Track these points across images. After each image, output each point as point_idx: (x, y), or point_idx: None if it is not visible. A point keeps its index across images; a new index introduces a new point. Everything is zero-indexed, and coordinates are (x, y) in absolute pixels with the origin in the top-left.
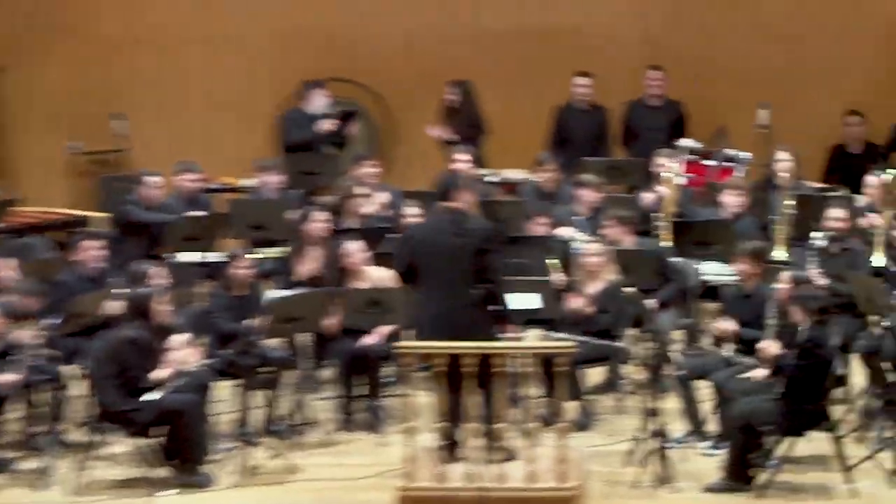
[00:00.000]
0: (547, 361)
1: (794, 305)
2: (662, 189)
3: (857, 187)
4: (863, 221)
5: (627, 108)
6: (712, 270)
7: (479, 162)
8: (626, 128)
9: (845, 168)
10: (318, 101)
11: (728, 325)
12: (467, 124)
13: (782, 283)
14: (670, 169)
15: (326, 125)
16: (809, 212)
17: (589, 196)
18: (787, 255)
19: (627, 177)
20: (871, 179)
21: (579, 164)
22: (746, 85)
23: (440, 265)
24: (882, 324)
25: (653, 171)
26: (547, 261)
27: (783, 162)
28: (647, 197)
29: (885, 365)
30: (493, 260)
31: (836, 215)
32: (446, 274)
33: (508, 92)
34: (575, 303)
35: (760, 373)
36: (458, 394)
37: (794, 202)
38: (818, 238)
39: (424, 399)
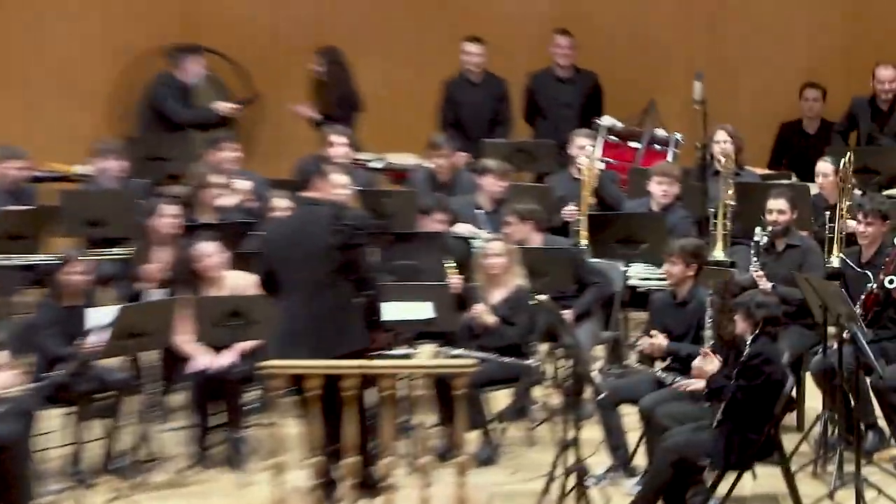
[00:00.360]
0: (442, 383)
1: (736, 315)
2: (579, 176)
3: (810, 173)
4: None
5: (531, 80)
6: (639, 273)
7: (354, 144)
8: (531, 103)
9: (798, 151)
10: (194, 69)
11: (658, 338)
12: (337, 99)
13: (722, 288)
14: (588, 153)
15: (226, 107)
16: (754, 203)
17: (492, 185)
18: (728, 254)
19: (536, 162)
20: (824, 166)
21: (479, 148)
22: (678, 53)
23: (301, 268)
24: (840, 336)
25: (567, 155)
26: (442, 262)
27: (722, 144)
28: (559, 185)
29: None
30: (363, 256)
31: (780, 206)
32: (309, 278)
33: (391, 62)
34: (476, 312)
35: (696, 385)
36: (334, 423)
37: (735, 191)
38: (761, 234)
39: (295, 429)
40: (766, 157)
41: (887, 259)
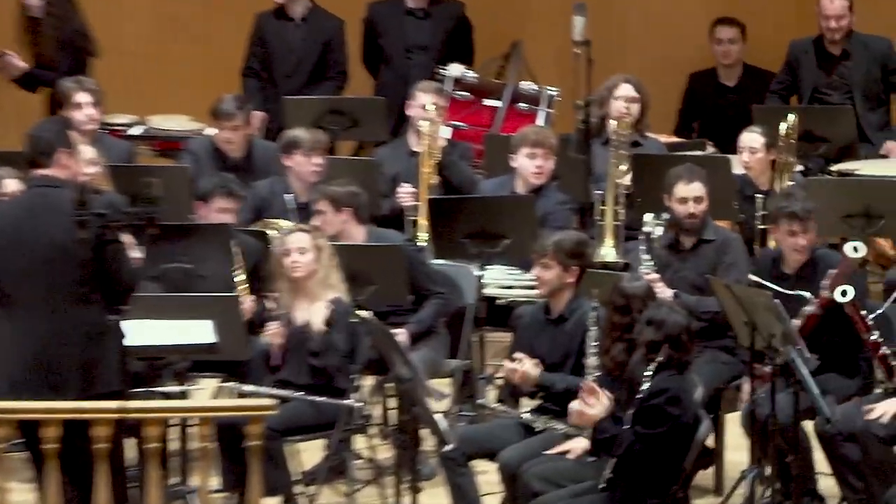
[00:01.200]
0: (229, 431)
1: (630, 336)
2: (418, 147)
3: (731, 141)
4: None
5: (370, 10)
6: (498, 280)
7: (101, 103)
8: (370, 41)
9: (713, 111)
10: None
11: (526, 365)
12: (59, 43)
13: (613, 300)
14: (431, 115)
15: None
16: (656, 183)
17: (303, 166)
18: (620, 252)
19: (359, 127)
20: (751, 137)
21: (287, 108)
22: None
23: (31, 276)
24: (772, 362)
25: (409, 117)
26: (230, 267)
27: (624, 102)
28: (391, 160)
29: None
30: (120, 257)
31: (696, 192)
32: (42, 290)
33: None
34: (274, 335)
35: (579, 445)
36: (81, 486)
37: (631, 167)
38: (654, 223)
39: (23, 495)
40: (671, 119)
41: (833, 271)
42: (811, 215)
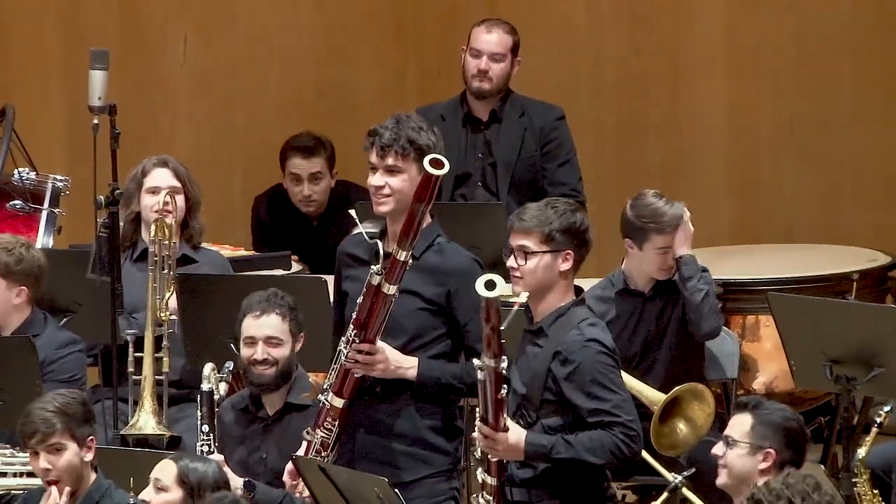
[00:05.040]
0: None
1: None
2: None
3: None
4: None
5: None
6: None
7: None
8: None
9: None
10: None
11: None
12: None
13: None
14: None
15: None
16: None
17: None
18: (164, 422)
19: None
20: None
21: None
22: None
23: None
24: None
25: None
26: None
27: (148, 197)
28: None
29: None
30: None
31: (256, 332)
32: None
33: None
34: None
35: None
36: None
37: (176, 293)
38: (217, 379)
39: None
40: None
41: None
42: None
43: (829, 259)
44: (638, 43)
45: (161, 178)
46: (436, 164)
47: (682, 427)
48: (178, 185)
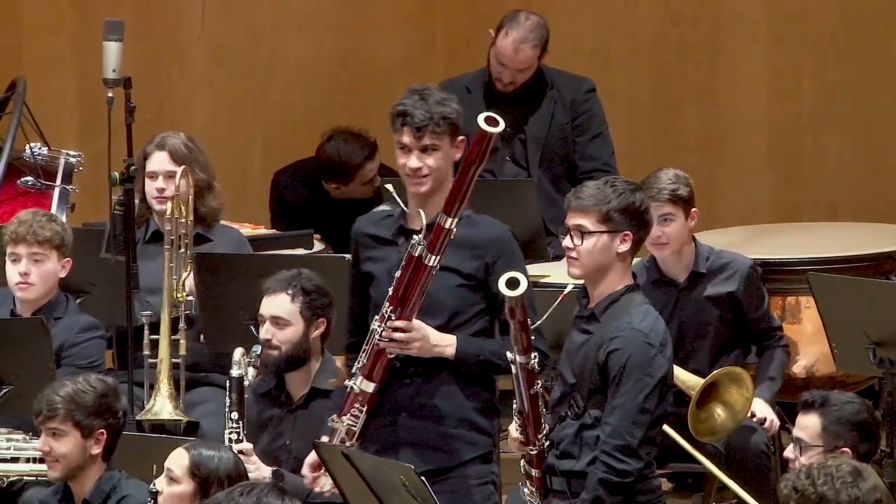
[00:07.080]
0: None
1: None
2: None
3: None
4: None
5: None
6: None
7: None
8: None
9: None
10: None
11: None
12: None
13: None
14: None
15: None
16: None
17: None
18: (181, 407)
19: None
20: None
21: None
22: None
23: None
24: None
25: None
26: None
27: (151, 182)
28: None
29: None
30: None
31: (264, 311)
32: None
33: None
34: None
35: None
36: None
37: (193, 274)
38: (245, 363)
39: None
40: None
41: None
42: None
43: (873, 237)
44: (676, 9)
45: (157, 162)
46: (490, 121)
47: (719, 412)
48: (175, 168)
